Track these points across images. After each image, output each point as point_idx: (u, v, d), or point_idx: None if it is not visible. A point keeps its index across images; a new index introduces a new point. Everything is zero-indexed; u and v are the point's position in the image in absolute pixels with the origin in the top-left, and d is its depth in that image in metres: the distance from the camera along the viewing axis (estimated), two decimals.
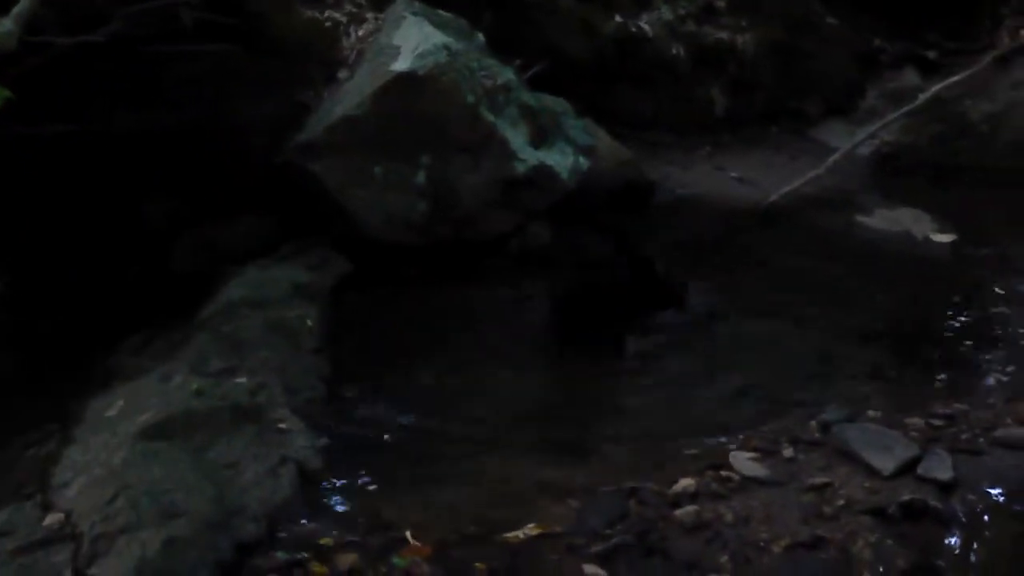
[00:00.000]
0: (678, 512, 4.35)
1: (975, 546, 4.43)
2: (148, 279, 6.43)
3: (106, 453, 4.50)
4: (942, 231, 8.19)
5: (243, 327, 5.75)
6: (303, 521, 4.41)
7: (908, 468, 4.62)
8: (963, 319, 6.80)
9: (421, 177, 6.81)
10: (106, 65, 6.20)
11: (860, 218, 8.46)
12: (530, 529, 4.29)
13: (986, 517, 4.53)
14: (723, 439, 5.06)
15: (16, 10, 5.22)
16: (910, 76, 10.67)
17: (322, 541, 4.24)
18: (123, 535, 3.98)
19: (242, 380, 5.19)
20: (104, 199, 6.45)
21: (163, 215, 6.67)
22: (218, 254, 6.68)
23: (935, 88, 9.84)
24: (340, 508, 4.56)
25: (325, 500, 4.61)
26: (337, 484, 4.73)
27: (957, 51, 10.70)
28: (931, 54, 10.74)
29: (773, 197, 8.51)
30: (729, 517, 4.34)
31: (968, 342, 6.50)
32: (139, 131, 6.43)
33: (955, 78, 9.92)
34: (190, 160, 6.67)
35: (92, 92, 6.27)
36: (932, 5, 10.84)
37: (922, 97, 9.77)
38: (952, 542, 4.37)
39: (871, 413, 5.21)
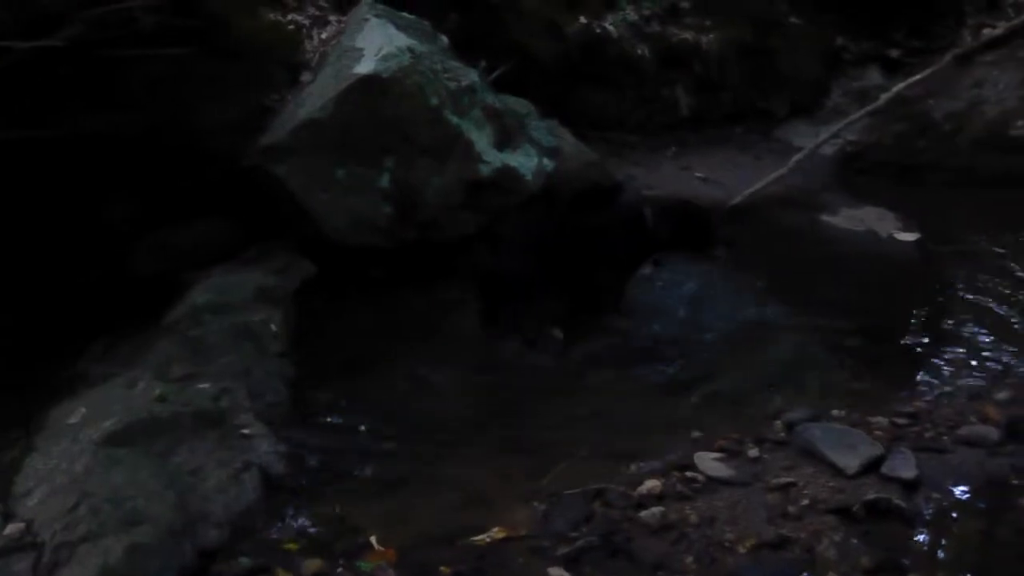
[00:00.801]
0: (643, 513, 4.36)
1: (939, 544, 4.45)
2: (110, 283, 6.36)
3: (68, 461, 4.48)
4: (906, 229, 8.23)
5: (207, 332, 5.72)
6: (267, 526, 4.40)
7: (872, 467, 4.65)
8: (926, 317, 6.83)
9: (385, 180, 6.78)
10: (65, 68, 6.15)
11: (825, 217, 8.49)
12: (495, 532, 4.29)
13: (950, 515, 4.55)
14: (688, 439, 5.05)
15: None
16: (874, 75, 10.71)
17: (286, 546, 4.24)
18: (85, 543, 3.96)
19: (205, 385, 5.16)
20: (65, 203, 6.39)
21: (125, 219, 6.60)
22: (181, 258, 6.62)
23: (898, 87, 9.90)
24: (304, 513, 4.54)
25: (289, 505, 4.59)
26: (301, 489, 4.72)
27: (920, 50, 10.75)
28: (895, 53, 10.78)
29: (738, 197, 8.54)
30: (694, 518, 4.35)
31: (931, 340, 6.53)
32: (100, 134, 6.37)
33: (918, 77, 9.99)
34: (152, 163, 6.61)
35: (51, 96, 6.21)
36: (895, 4, 10.88)
37: (884, 96, 9.83)
38: (917, 540, 4.39)
39: (835, 412, 5.24)
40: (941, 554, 4.40)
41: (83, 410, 4.96)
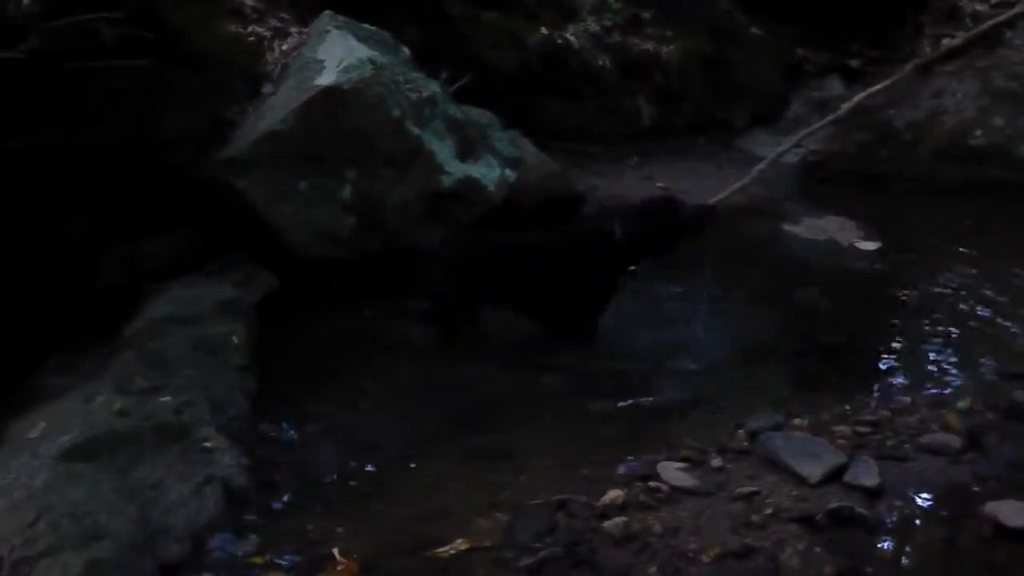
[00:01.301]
0: (607, 524, 4.35)
1: (902, 552, 4.46)
2: (71, 296, 6.34)
3: (27, 475, 4.44)
4: (867, 239, 8.27)
5: (168, 345, 5.69)
6: (229, 540, 4.37)
7: (835, 475, 4.65)
8: (888, 326, 6.87)
9: (347, 191, 6.79)
10: (26, 81, 6.12)
11: (787, 227, 8.53)
12: (459, 544, 4.27)
13: (912, 523, 4.56)
14: (651, 449, 5.05)
15: None
16: (834, 85, 10.79)
17: (248, 560, 4.21)
18: (44, 558, 3.93)
19: (167, 399, 5.13)
20: (25, 216, 6.35)
21: (86, 231, 6.58)
22: (143, 271, 6.61)
23: (859, 97, 9.98)
24: (267, 526, 4.51)
25: (251, 518, 4.56)
26: (264, 502, 4.70)
27: (880, 60, 10.85)
28: (855, 63, 10.88)
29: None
30: (658, 528, 4.34)
31: (893, 349, 6.56)
32: (61, 147, 6.35)
33: (878, 87, 10.07)
34: (113, 176, 6.59)
35: (11, 109, 6.18)
36: (855, 14, 10.95)
37: (846, 106, 9.89)
38: (879, 548, 4.40)
39: (798, 421, 5.24)
40: (904, 562, 4.42)
41: (43, 424, 4.94)
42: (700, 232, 6.55)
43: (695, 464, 4.86)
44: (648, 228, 6.38)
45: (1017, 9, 10.60)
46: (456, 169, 7.04)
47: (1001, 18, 10.58)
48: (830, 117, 9.86)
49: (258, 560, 4.21)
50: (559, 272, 6.34)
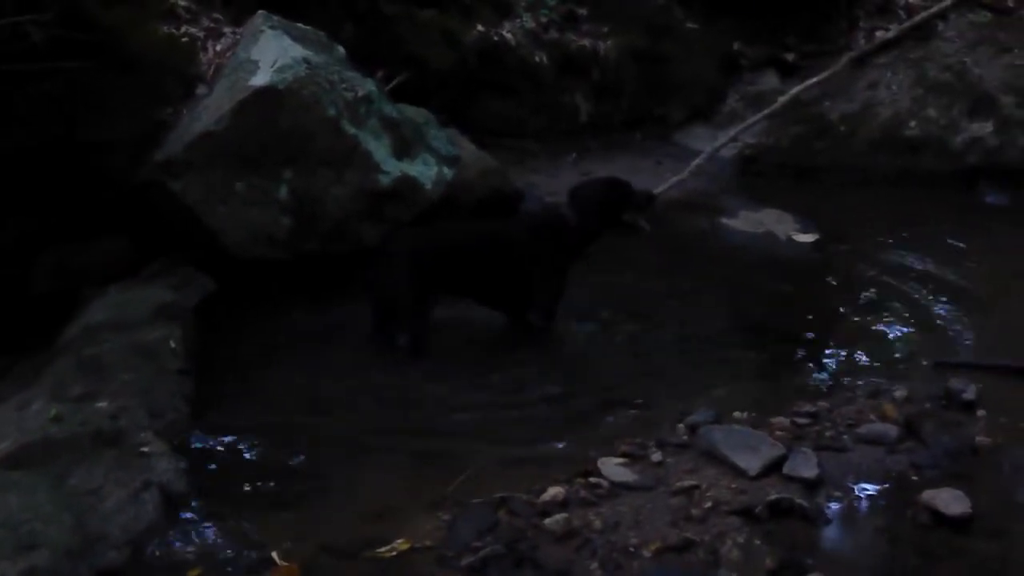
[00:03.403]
0: (548, 521, 4.36)
1: (841, 541, 4.50)
2: (5, 303, 6.26)
3: None
4: (804, 231, 8.33)
5: (105, 350, 5.63)
6: (168, 545, 4.35)
7: (774, 467, 4.69)
8: (825, 318, 6.91)
9: (284, 192, 6.75)
10: None
11: (725, 220, 8.57)
12: (400, 544, 4.28)
13: (851, 512, 4.60)
14: (591, 445, 5.06)
15: None
16: (770, 79, 10.85)
17: (188, 570, 4.19)
18: None
19: (103, 404, 5.09)
20: None
21: (19, 237, 6.51)
22: (78, 276, 6.55)
23: (794, 90, 10.04)
24: (206, 530, 4.49)
25: (191, 523, 4.54)
26: (203, 506, 4.66)
27: (815, 53, 10.92)
28: (790, 56, 10.93)
29: None
30: (598, 524, 4.36)
31: (831, 340, 6.60)
32: None
33: (813, 80, 10.14)
34: (46, 180, 6.52)
35: None
36: (789, 8, 11.01)
37: (781, 99, 9.95)
38: (819, 538, 4.43)
39: (737, 414, 5.28)
40: (843, 552, 4.46)
41: None
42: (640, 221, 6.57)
43: (635, 459, 4.88)
44: (600, 211, 6.40)
45: (948, 2, 10.71)
46: (393, 168, 7.01)
47: (934, 10, 10.70)
48: (766, 111, 9.91)
49: (198, 569, 4.19)
50: (513, 260, 6.35)
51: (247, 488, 4.86)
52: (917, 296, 7.14)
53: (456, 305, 6.45)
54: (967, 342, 6.39)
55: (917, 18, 10.67)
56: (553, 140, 9.80)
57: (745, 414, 5.29)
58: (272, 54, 6.77)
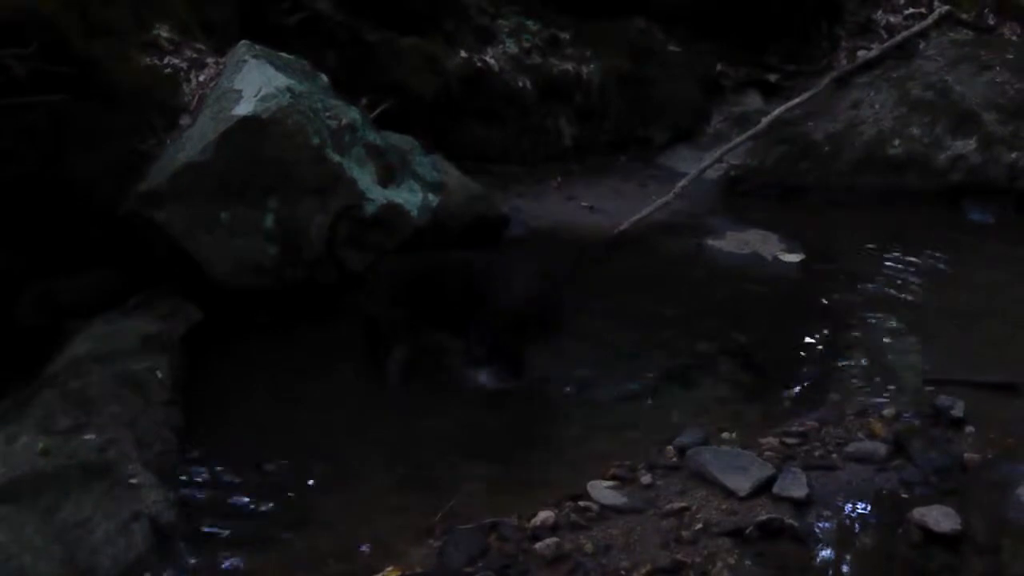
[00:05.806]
0: (538, 545, 4.36)
1: (832, 561, 4.50)
2: None
3: None
4: (790, 251, 8.33)
5: (91, 382, 5.62)
6: None
7: (764, 488, 4.69)
8: (813, 338, 6.91)
9: (269, 220, 6.74)
10: None
11: (710, 241, 8.56)
12: (390, 572, 4.27)
13: (842, 531, 4.60)
14: (580, 469, 5.06)
15: None
16: (753, 99, 10.87)
17: None
18: None
19: (91, 437, 5.07)
20: None
21: (3, 270, 6.49)
22: (63, 308, 6.52)
23: (778, 110, 10.05)
24: (196, 562, 4.48)
25: (180, 554, 4.53)
26: (192, 537, 4.65)
27: (797, 73, 10.96)
28: (772, 77, 10.96)
29: (624, 225, 8.58)
30: (589, 547, 4.36)
31: (818, 360, 6.61)
32: None
33: (796, 100, 10.15)
34: (30, 213, 6.52)
35: None
36: (771, 29, 11.05)
37: (765, 120, 9.95)
38: (810, 558, 4.43)
39: (726, 435, 5.29)
40: (833, 571, 4.45)
41: None
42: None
43: (625, 482, 4.88)
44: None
45: (929, 20, 10.77)
46: (378, 195, 7.02)
47: (915, 29, 10.74)
48: (750, 132, 9.92)
49: None
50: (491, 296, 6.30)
51: (237, 518, 4.86)
52: (903, 314, 7.16)
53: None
54: (954, 359, 6.40)
55: (898, 37, 10.71)
56: (537, 164, 9.78)
57: (733, 435, 5.31)
58: (255, 83, 6.77)
